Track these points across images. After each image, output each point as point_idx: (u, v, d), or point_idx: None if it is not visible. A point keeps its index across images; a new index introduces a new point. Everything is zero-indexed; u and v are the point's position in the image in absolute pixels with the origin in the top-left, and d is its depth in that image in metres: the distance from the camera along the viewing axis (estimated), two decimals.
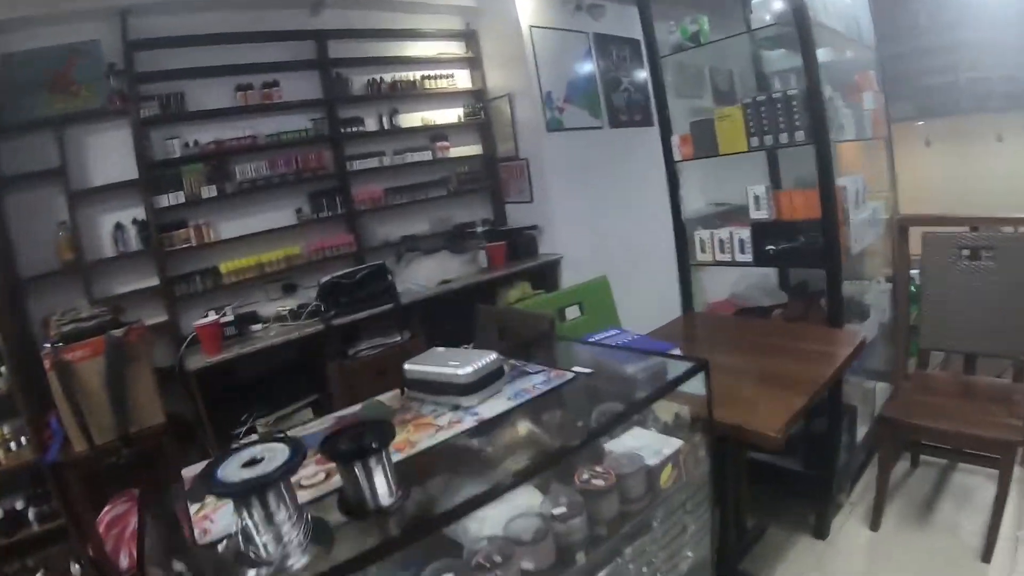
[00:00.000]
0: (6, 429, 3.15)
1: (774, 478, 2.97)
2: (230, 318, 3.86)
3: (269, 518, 1.05)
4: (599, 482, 1.51)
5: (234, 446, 1.19)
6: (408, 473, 1.34)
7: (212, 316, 3.73)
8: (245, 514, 1.05)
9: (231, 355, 3.57)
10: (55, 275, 3.64)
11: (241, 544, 1.07)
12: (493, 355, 1.77)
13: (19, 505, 3.21)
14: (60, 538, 3.19)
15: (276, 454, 1.10)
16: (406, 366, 1.85)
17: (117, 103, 3.81)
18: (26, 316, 3.56)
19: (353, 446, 1.21)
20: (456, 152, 5.28)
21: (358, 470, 1.19)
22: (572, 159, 5.19)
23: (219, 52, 4.18)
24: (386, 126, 4.90)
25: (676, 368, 1.77)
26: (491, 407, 1.67)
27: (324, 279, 4.10)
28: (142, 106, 3.88)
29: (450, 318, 3.43)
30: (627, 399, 1.71)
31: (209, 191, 4.11)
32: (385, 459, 1.22)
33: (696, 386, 1.72)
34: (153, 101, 3.93)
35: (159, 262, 3.94)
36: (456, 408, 1.69)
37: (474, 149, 5.44)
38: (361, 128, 4.77)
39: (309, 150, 4.55)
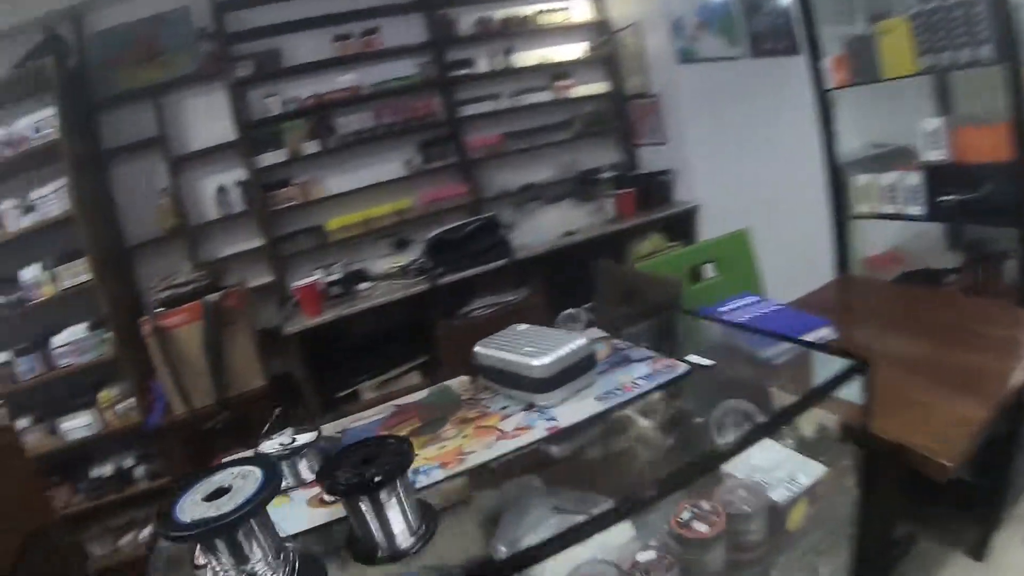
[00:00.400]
0: (114, 392, 3.27)
1: (927, 481, 2.41)
2: (337, 276, 3.77)
3: (239, 561, 0.83)
4: (703, 527, 1.09)
5: (216, 464, 0.93)
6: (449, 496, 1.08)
7: (317, 275, 3.68)
8: (210, 556, 0.84)
9: (331, 317, 3.49)
10: (160, 241, 3.74)
11: None
12: (582, 340, 1.38)
13: (129, 463, 3.35)
14: (168, 494, 3.28)
15: (248, 482, 0.86)
16: (477, 348, 1.50)
17: (210, 66, 3.79)
18: (133, 283, 3.68)
19: (354, 477, 0.92)
20: (580, 91, 4.81)
21: (364, 506, 0.93)
22: (709, 94, 4.51)
23: (313, 3, 4.03)
24: (499, 67, 4.55)
25: (827, 363, 1.26)
26: (573, 409, 1.31)
27: (431, 234, 3.90)
28: (237, 66, 3.84)
29: (574, 273, 3.12)
30: (760, 400, 1.30)
31: (312, 147, 4.03)
32: (401, 490, 0.94)
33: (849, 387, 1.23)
34: (248, 60, 3.88)
35: (263, 222, 3.93)
36: (529, 407, 1.35)
37: (600, 87, 4.93)
38: (472, 70, 4.48)
39: (416, 97, 4.33)
